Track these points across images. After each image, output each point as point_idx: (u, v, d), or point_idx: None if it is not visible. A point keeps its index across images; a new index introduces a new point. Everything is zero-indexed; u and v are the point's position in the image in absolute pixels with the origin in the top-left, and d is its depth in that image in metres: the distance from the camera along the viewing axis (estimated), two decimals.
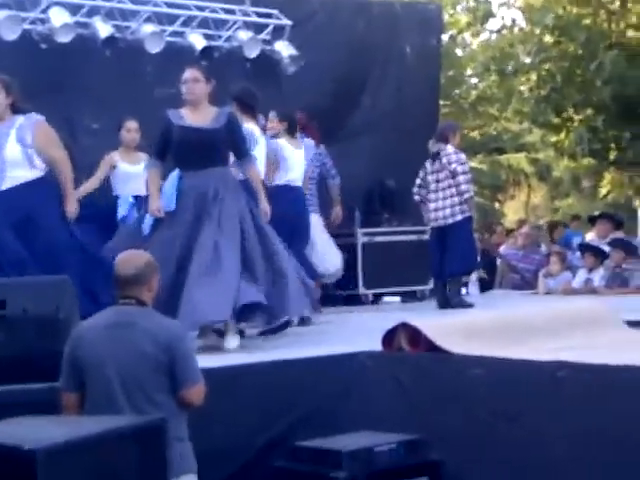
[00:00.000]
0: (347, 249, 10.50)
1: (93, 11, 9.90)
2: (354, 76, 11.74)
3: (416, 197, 9.93)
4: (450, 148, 9.66)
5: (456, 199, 9.55)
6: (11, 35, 9.34)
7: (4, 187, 6.53)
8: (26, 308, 5.18)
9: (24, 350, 5.12)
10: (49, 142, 6.69)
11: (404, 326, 6.17)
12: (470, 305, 9.40)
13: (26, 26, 9.53)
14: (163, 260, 5.86)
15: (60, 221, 6.63)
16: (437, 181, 9.66)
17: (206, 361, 4.73)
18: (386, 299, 10.85)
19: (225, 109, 7.17)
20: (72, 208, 6.64)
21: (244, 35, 10.81)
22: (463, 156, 9.79)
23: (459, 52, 19.02)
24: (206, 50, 10.48)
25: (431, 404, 5.81)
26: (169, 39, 10.31)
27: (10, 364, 5.09)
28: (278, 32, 11.09)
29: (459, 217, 9.55)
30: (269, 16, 11.11)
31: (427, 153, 9.87)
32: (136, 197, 8.59)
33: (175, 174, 6.97)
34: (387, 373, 5.95)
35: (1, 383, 5.04)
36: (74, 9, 9.73)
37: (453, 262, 9.47)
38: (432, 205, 9.68)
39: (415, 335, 6.06)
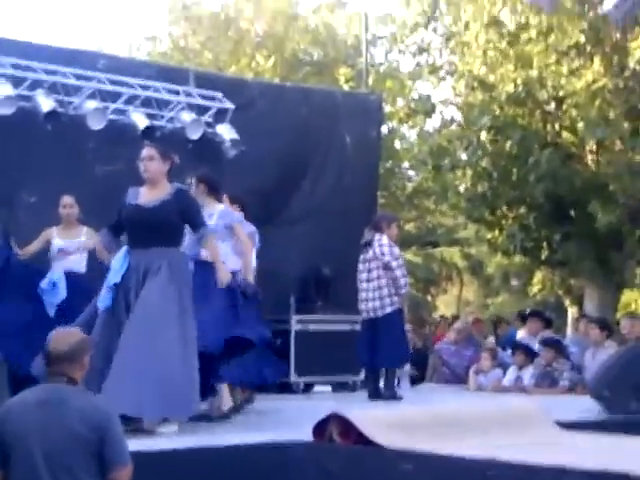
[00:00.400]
0: (280, 336, 10.46)
1: (36, 84, 9.87)
2: (295, 161, 11.85)
3: None
4: (384, 239, 9.59)
5: (385, 290, 9.46)
6: None
7: None
8: None
9: None
10: None
11: (335, 417, 6.13)
12: (400, 398, 9.36)
13: None
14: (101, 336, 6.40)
15: None
16: (368, 271, 9.58)
17: (134, 444, 4.64)
18: (317, 388, 10.80)
19: (174, 185, 7.14)
20: None
21: (187, 116, 10.84)
22: (397, 250, 9.70)
23: (397, 144, 19.26)
24: (148, 129, 10.48)
25: None
26: (112, 117, 10.30)
27: None
28: (221, 115, 11.15)
29: (388, 309, 9.46)
30: (212, 99, 11.17)
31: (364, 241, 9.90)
32: (67, 274, 8.54)
33: (124, 250, 6.98)
34: (318, 464, 5.89)
35: None
36: (17, 82, 9.69)
37: (385, 355, 9.41)
38: (363, 295, 9.60)
39: (346, 426, 6.02)
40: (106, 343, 6.64)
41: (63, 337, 4.50)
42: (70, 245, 8.69)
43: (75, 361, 4.44)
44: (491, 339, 13.45)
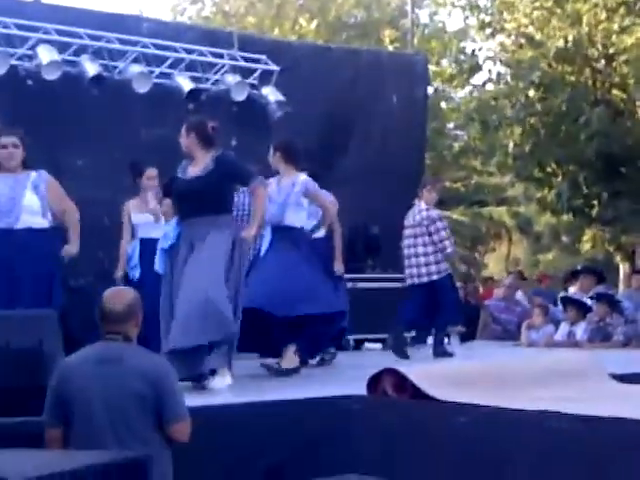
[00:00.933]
0: None
1: (81, 50, 9.90)
2: (341, 122, 11.79)
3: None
4: (422, 204, 9.49)
5: (432, 257, 9.36)
6: None
7: (19, 227, 7.01)
8: (9, 341, 5.10)
9: (6, 383, 5.04)
10: (61, 196, 7.26)
11: (389, 371, 6.10)
12: (451, 355, 9.35)
13: (13, 62, 9.51)
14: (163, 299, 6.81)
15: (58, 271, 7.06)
16: (414, 236, 9.46)
17: (191, 399, 4.64)
18: (368, 345, 10.79)
19: (212, 153, 7.05)
20: (74, 250, 7.05)
21: (231, 79, 10.83)
22: (434, 213, 9.51)
23: (443, 104, 19.12)
24: (193, 92, 10.50)
25: (416, 451, 5.73)
26: (157, 80, 10.31)
27: None
28: (265, 77, 11.12)
29: (435, 276, 9.35)
30: (257, 61, 11.14)
31: (411, 202, 9.84)
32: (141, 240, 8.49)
33: (175, 220, 7.13)
34: (373, 418, 5.87)
35: None
36: (62, 47, 9.74)
37: (437, 319, 9.40)
38: (407, 261, 9.49)
39: (400, 381, 5.99)
40: (168, 306, 6.83)
41: (117, 296, 4.53)
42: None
43: (130, 319, 4.48)
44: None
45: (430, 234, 9.38)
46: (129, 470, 3.83)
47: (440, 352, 9.32)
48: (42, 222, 7.08)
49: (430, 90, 16.49)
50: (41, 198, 7.10)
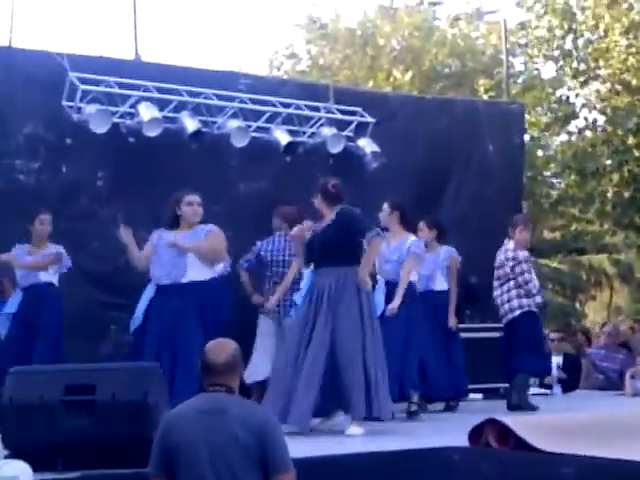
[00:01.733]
0: None
1: (180, 106, 10.09)
2: (436, 173, 11.78)
3: None
4: (511, 244, 9.41)
5: (514, 292, 9.27)
6: (101, 128, 9.54)
7: (184, 281, 7.73)
8: (115, 393, 5.19)
9: (112, 435, 5.12)
10: (213, 245, 7.89)
11: (492, 422, 6.05)
12: (534, 408, 8.92)
13: (115, 120, 9.73)
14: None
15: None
16: (498, 278, 9.45)
17: (296, 450, 4.64)
18: (470, 396, 10.69)
19: (336, 208, 7.73)
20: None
21: (328, 131, 10.92)
22: (522, 254, 9.37)
23: (539, 152, 18.99)
24: (290, 145, 10.61)
25: None
26: (254, 134, 10.45)
27: (98, 449, 5.10)
28: (361, 129, 11.19)
29: (517, 312, 9.25)
30: (353, 113, 11.22)
31: None
32: None
33: (309, 271, 7.88)
34: (474, 469, 5.82)
35: (88, 467, 5.04)
36: (162, 104, 9.93)
37: (516, 360, 9.20)
38: (496, 300, 9.49)
39: (503, 431, 5.93)
40: (295, 354, 7.36)
41: (221, 348, 4.55)
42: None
43: (233, 371, 4.49)
44: None
45: (515, 276, 9.28)
46: None
47: (515, 404, 8.92)
48: (207, 274, 7.81)
49: (526, 138, 16.39)
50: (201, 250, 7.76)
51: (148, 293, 7.84)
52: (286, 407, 7.10)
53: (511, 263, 9.30)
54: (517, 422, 6.01)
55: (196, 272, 7.75)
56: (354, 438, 6.93)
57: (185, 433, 4.32)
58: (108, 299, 9.52)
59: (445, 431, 7.36)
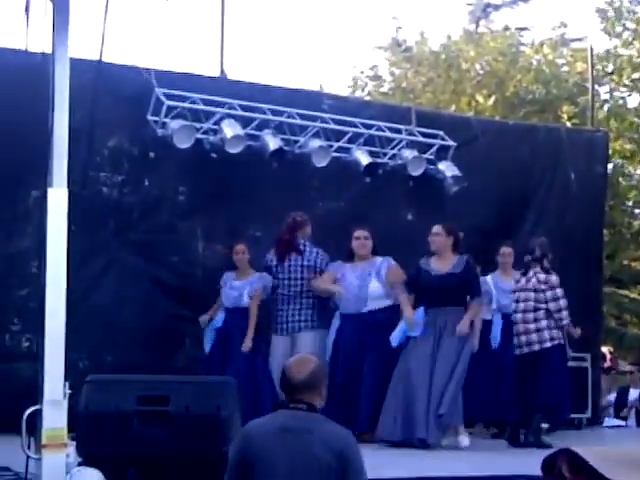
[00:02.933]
0: None
1: (263, 124, 10.16)
2: (517, 198, 11.71)
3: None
4: (539, 267, 8.84)
5: (544, 323, 8.66)
6: (184, 144, 9.66)
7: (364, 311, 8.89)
8: (188, 406, 5.22)
9: (184, 447, 5.15)
10: (394, 280, 8.92)
11: (565, 452, 5.96)
12: (547, 446, 7.77)
13: (198, 136, 9.84)
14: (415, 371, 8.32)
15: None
16: (524, 300, 8.85)
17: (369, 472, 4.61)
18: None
19: (463, 257, 8.70)
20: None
21: (409, 154, 10.91)
22: (555, 279, 8.83)
23: (621, 180, 18.75)
24: (371, 166, 10.63)
25: None
26: (335, 154, 10.48)
27: (170, 461, 5.13)
28: (442, 152, 11.17)
29: (548, 344, 8.63)
30: (434, 136, 11.21)
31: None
32: None
33: (421, 309, 8.59)
34: None
35: (159, 479, 5.08)
36: (245, 122, 10.01)
37: (539, 397, 8.59)
38: (517, 327, 8.89)
39: (577, 462, 5.84)
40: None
41: (302, 365, 4.46)
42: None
43: (315, 389, 4.40)
44: None
45: (546, 301, 8.76)
46: None
47: (532, 441, 8.39)
48: (385, 303, 8.88)
49: (609, 166, 16.20)
50: (383, 284, 8.88)
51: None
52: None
53: (543, 287, 8.78)
54: (591, 452, 5.91)
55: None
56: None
57: (265, 449, 4.25)
58: (184, 312, 9.60)
59: (512, 459, 7.29)
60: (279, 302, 9.25)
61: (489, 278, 9.78)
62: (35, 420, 4.56)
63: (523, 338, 8.77)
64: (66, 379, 4.70)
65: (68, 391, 4.54)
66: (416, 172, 10.90)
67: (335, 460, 4.22)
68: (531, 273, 8.94)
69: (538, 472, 5.95)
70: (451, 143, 11.18)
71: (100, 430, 5.29)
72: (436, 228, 8.79)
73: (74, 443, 4.70)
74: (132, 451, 5.23)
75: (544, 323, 8.72)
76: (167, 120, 9.66)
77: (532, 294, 8.83)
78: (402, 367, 8.49)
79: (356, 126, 10.70)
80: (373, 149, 10.79)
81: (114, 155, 9.66)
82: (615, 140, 16.87)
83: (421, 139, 11.12)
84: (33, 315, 8.04)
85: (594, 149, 12.56)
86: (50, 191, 4.72)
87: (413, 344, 8.53)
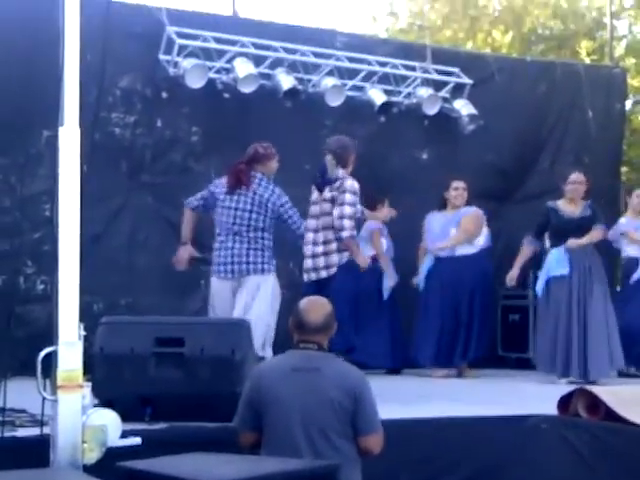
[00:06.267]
0: (518, 310, 10.40)
1: (276, 63, 10.06)
2: (534, 136, 11.61)
3: None
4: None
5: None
6: (197, 83, 9.58)
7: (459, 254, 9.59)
8: (204, 347, 5.21)
9: (199, 388, 5.15)
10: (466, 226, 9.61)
11: (581, 392, 5.96)
12: None
13: (211, 75, 9.75)
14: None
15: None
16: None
17: (384, 412, 4.62)
18: None
19: (587, 202, 9.21)
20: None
21: (424, 92, 10.81)
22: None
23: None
24: (385, 105, 10.53)
25: (607, 475, 5.57)
26: (349, 93, 10.38)
27: (185, 401, 5.13)
28: (458, 90, 11.05)
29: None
30: (450, 74, 11.09)
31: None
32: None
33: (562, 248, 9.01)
34: (562, 439, 5.73)
35: (176, 419, 5.08)
36: (258, 60, 9.91)
37: None
38: None
39: (594, 402, 5.84)
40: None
41: (318, 308, 4.54)
42: None
43: (327, 330, 4.51)
44: None
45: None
46: (321, 478, 3.85)
47: None
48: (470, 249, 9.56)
49: (627, 103, 16.01)
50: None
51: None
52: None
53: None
54: (607, 392, 5.91)
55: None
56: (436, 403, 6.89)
57: (277, 389, 4.31)
58: (198, 254, 9.56)
59: (525, 398, 7.29)
60: (222, 238, 7.66)
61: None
62: (50, 362, 4.55)
63: None
64: (81, 321, 4.69)
65: (83, 332, 4.51)
66: (431, 111, 10.80)
67: (346, 399, 4.27)
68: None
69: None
70: (467, 81, 11.06)
71: (116, 372, 5.30)
72: (579, 176, 9.23)
73: (90, 384, 4.68)
74: (148, 392, 5.24)
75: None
76: (179, 59, 9.57)
77: None
78: (553, 307, 8.91)
79: (370, 64, 10.58)
80: (388, 87, 10.68)
81: (126, 96, 9.58)
82: (633, 77, 16.61)
83: (436, 77, 11.00)
84: (47, 258, 8.09)
85: (612, 86, 12.42)
86: (61, 130, 4.65)
87: (560, 283, 8.87)
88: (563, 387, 6.79)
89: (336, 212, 7.34)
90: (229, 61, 9.82)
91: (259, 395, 4.35)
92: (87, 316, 4.70)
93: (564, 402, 5.98)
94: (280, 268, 7.78)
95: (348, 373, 4.40)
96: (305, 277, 7.47)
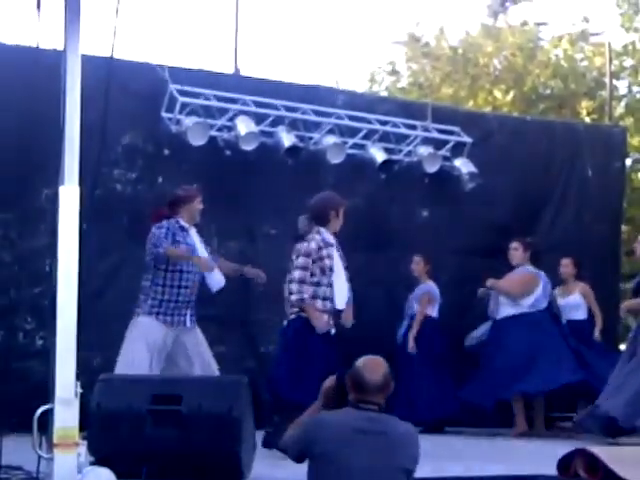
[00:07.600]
0: None
1: (277, 121, 10.12)
2: (535, 194, 11.66)
3: None
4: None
5: None
6: (198, 141, 9.63)
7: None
8: (201, 405, 5.19)
9: (196, 447, 5.12)
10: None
11: (581, 452, 5.91)
12: None
13: (213, 133, 9.80)
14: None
15: None
16: None
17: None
18: (561, 424, 10.50)
19: None
20: None
21: (424, 150, 10.85)
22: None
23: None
24: (386, 163, 10.57)
25: None
26: (350, 151, 10.43)
27: (182, 460, 5.10)
28: (458, 149, 11.10)
29: None
30: (450, 133, 11.14)
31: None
32: None
33: None
34: None
35: (172, 478, 5.05)
36: (259, 118, 9.97)
37: None
38: None
39: (592, 462, 5.79)
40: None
41: (377, 367, 4.36)
42: None
43: (386, 390, 4.32)
44: None
45: None
46: None
47: None
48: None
49: (627, 162, 16.07)
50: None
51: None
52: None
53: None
54: (606, 452, 5.87)
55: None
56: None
57: (338, 448, 4.13)
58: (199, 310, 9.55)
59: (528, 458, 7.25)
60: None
61: None
62: (47, 419, 4.54)
63: None
64: (79, 377, 4.68)
65: (79, 390, 4.50)
66: (432, 169, 10.85)
67: (413, 462, 4.20)
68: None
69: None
70: (467, 139, 11.11)
71: (112, 429, 5.27)
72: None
73: (86, 442, 4.66)
74: (144, 450, 5.21)
75: None
76: (181, 117, 9.63)
77: None
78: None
79: (371, 122, 10.65)
80: (388, 146, 10.74)
81: (128, 152, 9.64)
82: (632, 136, 16.70)
83: (437, 135, 11.05)
84: (46, 313, 8.05)
85: (612, 144, 12.49)
86: (61, 189, 4.69)
87: None
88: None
89: (289, 275, 7.55)
90: (231, 119, 9.88)
91: (324, 450, 4.14)
92: (86, 371, 4.70)
93: (564, 463, 5.94)
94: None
95: (411, 436, 4.28)
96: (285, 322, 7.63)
